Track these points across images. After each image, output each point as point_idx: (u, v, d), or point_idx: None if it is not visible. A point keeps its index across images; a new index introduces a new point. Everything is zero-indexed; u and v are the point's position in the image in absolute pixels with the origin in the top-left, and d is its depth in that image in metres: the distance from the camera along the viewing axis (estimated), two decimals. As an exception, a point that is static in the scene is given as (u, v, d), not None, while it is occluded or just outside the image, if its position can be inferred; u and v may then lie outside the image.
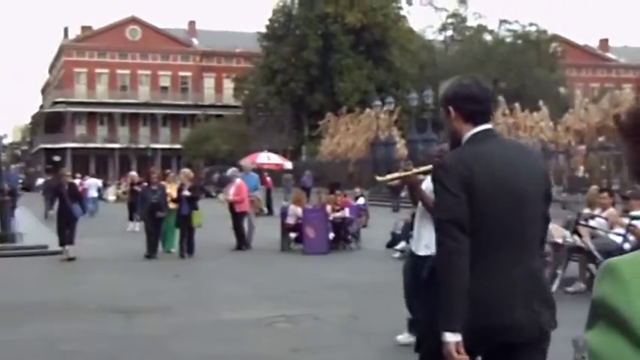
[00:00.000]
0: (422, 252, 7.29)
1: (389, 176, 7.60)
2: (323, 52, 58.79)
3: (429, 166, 7.65)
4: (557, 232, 12.13)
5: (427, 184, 7.55)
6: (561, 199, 19.03)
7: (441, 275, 3.36)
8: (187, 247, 16.62)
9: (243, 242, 17.94)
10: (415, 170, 7.55)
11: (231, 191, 18.29)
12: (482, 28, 63.02)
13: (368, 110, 49.74)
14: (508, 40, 60.72)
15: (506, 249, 3.36)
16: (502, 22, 61.81)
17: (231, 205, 18.06)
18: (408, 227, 16.36)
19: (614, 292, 1.05)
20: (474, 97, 3.53)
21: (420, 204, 7.50)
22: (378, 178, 7.81)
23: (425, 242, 7.25)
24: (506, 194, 3.37)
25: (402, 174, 7.25)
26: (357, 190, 25.86)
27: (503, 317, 3.32)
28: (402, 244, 15.88)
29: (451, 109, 3.56)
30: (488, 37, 62.40)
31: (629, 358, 0.99)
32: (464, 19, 64.74)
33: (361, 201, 23.14)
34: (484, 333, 3.31)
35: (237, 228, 18.02)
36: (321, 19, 58.82)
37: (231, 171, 19.45)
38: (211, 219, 18.89)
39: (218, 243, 18.17)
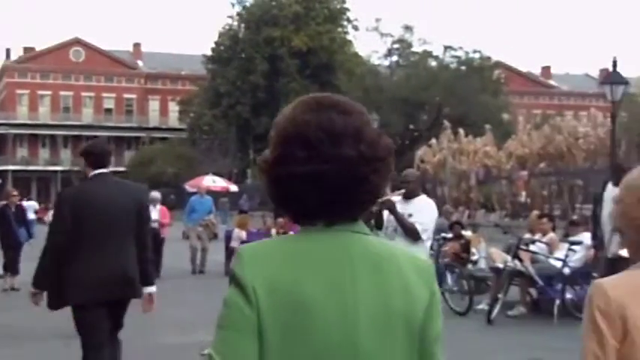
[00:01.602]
0: None
1: None
2: (269, 76, 58.87)
3: (401, 190, 7.95)
4: (499, 257, 12.30)
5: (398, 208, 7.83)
6: (503, 224, 19.25)
7: (45, 258, 5.69)
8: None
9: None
10: (391, 194, 7.86)
11: (155, 216, 17.64)
12: (427, 54, 63.56)
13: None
14: (452, 66, 61.31)
15: (98, 248, 5.62)
16: (447, 48, 62.41)
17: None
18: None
19: (237, 265, 1.73)
20: (92, 152, 5.89)
21: (387, 228, 7.87)
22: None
23: None
24: (98, 214, 5.65)
25: (382, 198, 7.58)
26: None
27: (98, 284, 5.62)
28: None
29: (83, 158, 5.87)
30: (433, 63, 62.93)
31: (241, 302, 1.69)
32: (409, 45, 65.23)
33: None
34: (89, 292, 5.63)
35: (159, 254, 17.63)
36: (267, 43, 58.93)
37: (152, 195, 18.72)
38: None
39: (169, 267, 17.94)
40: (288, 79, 58.47)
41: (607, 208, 9.47)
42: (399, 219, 7.72)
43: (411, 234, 7.70)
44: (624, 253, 9.43)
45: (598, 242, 10.14)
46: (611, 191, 9.49)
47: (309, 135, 1.70)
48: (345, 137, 1.71)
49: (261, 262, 1.71)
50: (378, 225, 8.02)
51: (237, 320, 1.70)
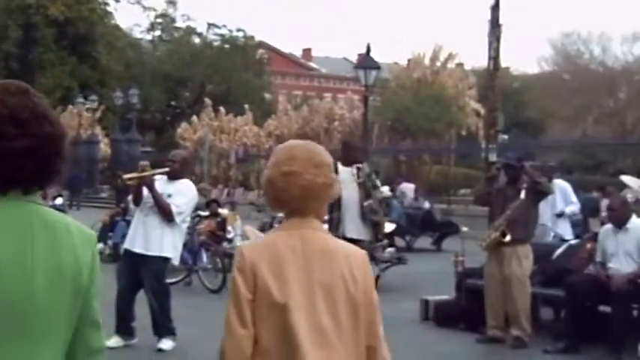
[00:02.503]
0: (155, 252, 7.75)
1: (129, 175, 8.24)
2: (23, 45, 56.05)
3: (165, 169, 7.88)
4: (253, 235, 12.35)
5: (158, 186, 7.75)
6: (259, 203, 19.51)
7: None
8: None
9: None
10: (152, 172, 7.81)
11: None
12: (190, 30, 63.11)
13: (70, 107, 48.15)
14: (216, 43, 61.25)
15: None
16: (210, 25, 62.29)
17: None
18: (107, 229, 16.08)
19: None
20: None
21: (145, 204, 7.82)
22: (125, 176, 8.35)
23: (156, 243, 7.74)
24: None
25: (142, 174, 7.88)
26: (53, 190, 24.86)
27: None
28: (99, 246, 15.48)
29: None
30: (196, 40, 62.60)
31: None
32: (172, 20, 64.51)
33: (59, 201, 22.31)
34: None
35: None
36: (21, 10, 56.02)
37: None
38: None
39: None
40: (43, 49, 55.96)
41: (345, 189, 9.59)
42: (156, 197, 7.69)
43: (165, 214, 7.71)
44: (354, 235, 9.76)
45: (330, 223, 10.18)
46: (341, 171, 9.62)
47: (20, 115, 1.96)
48: (45, 117, 2.00)
49: None
50: (136, 201, 7.96)
51: None
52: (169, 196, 7.75)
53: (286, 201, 2.73)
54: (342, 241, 2.86)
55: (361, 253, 2.75)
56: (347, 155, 10.09)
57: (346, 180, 9.63)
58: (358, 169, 10.05)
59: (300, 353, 2.57)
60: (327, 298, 2.62)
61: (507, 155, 10.29)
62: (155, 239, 7.71)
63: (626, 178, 12.19)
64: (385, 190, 15.33)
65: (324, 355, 2.60)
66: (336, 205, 9.66)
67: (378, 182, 11.19)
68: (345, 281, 2.64)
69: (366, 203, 9.83)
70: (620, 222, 8.34)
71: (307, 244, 2.69)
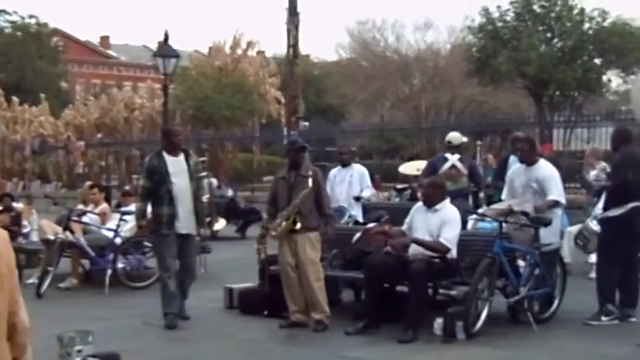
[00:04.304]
0: None
1: None
2: None
3: None
4: (50, 229, 11.98)
5: None
6: (54, 195, 18.85)
7: None
8: None
9: None
10: None
11: None
12: (-22, 17, 60.09)
13: None
14: (7, 31, 58.64)
15: None
16: (0, 12, 59.55)
17: None
18: None
19: None
20: None
21: None
22: None
23: None
24: None
25: None
26: None
27: None
28: None
29: None
30: (-14, 27, 59.64)
31: None
32: (-41, 7, 61.17)
33: None
34: None
35: None
36: None
37: None
38: None
39: None
40: None
41: (176, 181, 9.07)
42: None
43: None
44: (185, 230, 9.28)
45: (159, 218, 9.41)
46: (169, 162, 9.03)
47: None
48: None
49: None
50: None
51: None
52: None
53: None
54: None
55: (3, 232, 3.09)
56: (171, 143, 9.20)
57: (176, 172, 9.01)
58: (187, 154, 9.24)
59: None
60: None
61: (291, 140, 10.53)
62: None
63: (402, 168, 12.71)
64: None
65: None
66: (166, 200, 8.97)
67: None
68: None
69: (203, 198, 9.24)
70: (430, 202, 8.66)
71: None
